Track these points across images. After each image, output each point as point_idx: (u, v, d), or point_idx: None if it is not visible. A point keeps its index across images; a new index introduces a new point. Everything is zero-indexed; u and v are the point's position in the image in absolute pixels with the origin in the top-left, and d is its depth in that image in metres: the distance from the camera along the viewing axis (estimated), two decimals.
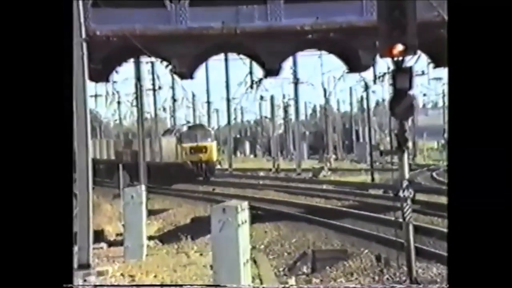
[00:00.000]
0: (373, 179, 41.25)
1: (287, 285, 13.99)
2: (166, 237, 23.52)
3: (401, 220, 13.63)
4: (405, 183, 13.39)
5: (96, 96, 64.27)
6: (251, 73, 49.66)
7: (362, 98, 67.98)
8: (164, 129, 77.97)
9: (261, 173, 51.83)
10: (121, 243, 18.72)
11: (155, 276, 14.49)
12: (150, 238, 21.34)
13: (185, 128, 50.88)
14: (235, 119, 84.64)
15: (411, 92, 13.45)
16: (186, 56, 37.98)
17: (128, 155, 53.28)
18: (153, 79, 63.25)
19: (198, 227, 22.96)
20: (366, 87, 50.68)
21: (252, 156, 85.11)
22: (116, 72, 46.42)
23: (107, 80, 48.54)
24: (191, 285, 12.32)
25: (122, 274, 14.87)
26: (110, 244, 21.07)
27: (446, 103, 70.68)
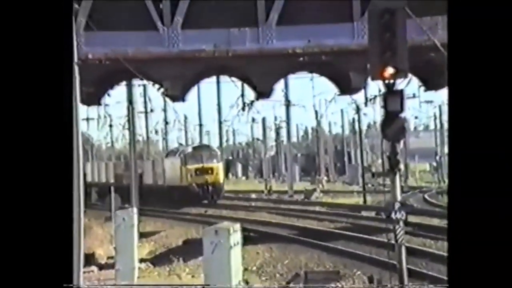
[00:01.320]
0: (365, 201, 41.26)
1: (285, 285, 13.95)
2: (158, 260, 23.45)
3: (393, 242, 13.64)
4: (397, 205, 13.41)
5: (88, 119, 64.39)
6: (242, 95, 49.83)
7: (353, 120, 68.18)
8: (156, 152, 77.85)
9: (253, 195, 51.78)
10: (112, 266, 18.66)
11: None
12: (141, 260, 21.28)
13: (189, 149, 48.68)
14: (227, 141, 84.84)
15: (402, 115, 13.52)
16: (178, 78, 38.05)
17: (128, 178, 52.75)
18: (145, 102, 63.39)
19: (190, 249, 22.90)
20: (358, 110, 50.90)
21: (244, 178, 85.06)
22: (108, 95, 46.35)
23: (99, 103, 48.47)
24: (190, 285, 12.29)
25: None
26: (101, 267, 20.99)
27: (438, 126, 71.07)
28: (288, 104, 53.24)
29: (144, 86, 56.51)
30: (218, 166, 46.38)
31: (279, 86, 45.68)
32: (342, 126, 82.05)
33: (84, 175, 63.91)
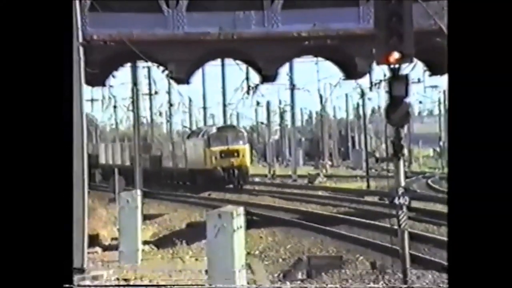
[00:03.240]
0: (368, 186, 41.28)
1: (283, 285, 14.01)
2: (161, 242, 23.51)
3: (396, 227, 13.65)
4: (400, 190, 13.42)
5: (92, 100, 64.36)
6: (247, 78, 49.72)
7: (358, 105, 68.11)
8: (160, 134, 77.66)
9: (257, 179, 51.79)
10: (116, 248, 18.71)
11: (150, 281, 14.49)
12: (145, 242, 21.33)
13: (214, 130, 44.66)
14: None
15: (407, 100, 13.50)
16: (183, 61, 38.01)
17: (146, 160, 49.30)
18: (150, 84, 63.29)
19: (194, 232, 22.95)
20: (362, 94, 50.81)
21: None
22: (113, 76, 46.30)
23: (103, 85, 48.46)
24: (189, 285, 12.34)
25: (117, 279, 14.86)
26: (105, 248, 21.05)
27: (442, 111, 70.98)
28: (292, 88, 53.15)
29: (149, 68, 56.34)
30: (245, 148, 42.84)
31: (284, 69, 45.58)
32: (347, 111, 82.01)
33: (96, 156, 63.25)
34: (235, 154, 41.97)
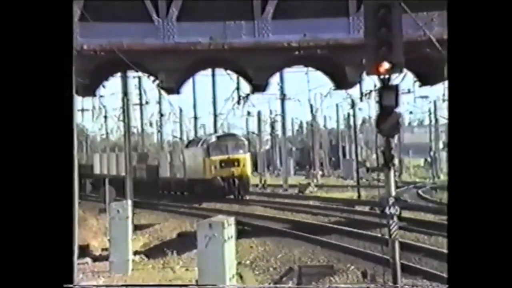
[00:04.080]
0: (359, 195, 41.32)
1: (279, 285, 13.98)
2: (152, 252, 23.45)
3: (387, 236, 13.67)
4: (391, 200, 13.43)
5: (82, 110, 64.23)
6: (238, 88, 49.80)
7: (348, 115, 68.30)
8: (150, 144, 77.50)
9: None
10: (106, 258, 18.66)
11: None
12: (135, 253, 21.28)
13: (213, 138, 43.28)
14: None
15: (397, 110, 13.53)
16: (173, 71, 38.02)
17: (143, 170, 49.23)
18: (140, 94, 63.32)
19: (184, 242, 22.91)
20: (353, 104, 50.94)
21: None
22: (103, 86, 46.30)
23: (94, 95, 48.46)
24: (188, 285, 12.30)
25: None
26: (95, 259, 20.99)
27: (433, 121, 71.18)
28: (283, 98, 53.24)
29: (139, 78, 56.39)
30: (245, 158, 41.69)
31: (275, 79, 45.69)
32: (337, 121, 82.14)
33: (91, 167, 62.81)
34: (236, 163, 40.91)
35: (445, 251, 18.01)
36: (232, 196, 40.27)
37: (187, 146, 47.52)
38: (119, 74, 43.94)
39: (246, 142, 44.50)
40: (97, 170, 56.40)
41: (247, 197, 40.76)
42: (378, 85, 13.55)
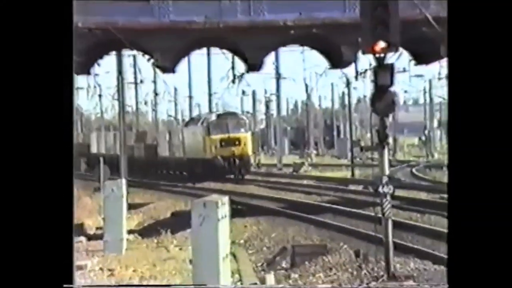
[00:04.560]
0: (353, 174, 41.41)
1: (275, 285, 14.03)
2: (146, 231, 23.50)
3: (380, 215, 13.71)
4: (385, 179, 13.47)
5: (77, 88, 64.03)
6: (233, 68, 49.59)
7: (343, 94, 68.27)
8: (145, 122, 77.36)
9: None
10: (100, 237, 18.69)
11: (134, 271, 14.48)
12: (130, 232, 21.32)
13: (213, 117, 42.42)
14: None
15: (392, 89, 13.53)
16: (169, 50, 37.84)
17: (141, 149, 48.41)
18: (135, 73, 63.12)
19: (178, 222, 22.95)
20: (348, 83, 50.86)
21: None
22: (98, 65, 46.00)
23: (88, 73, 48.22)
24: (186, 285, 12.33)
25: (101, 268, 14.84)
26: (90, 238, 21.03)
27: (427, 100, 71.15)
28: (278, 77, 53.17)
29: (134, 56, 56.19)
30: (246, 136, 40.85)
31: (270, 59, 45.46)
32: (332, 100, 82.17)
33: (88, 146, 62.43)
34: (236, 142, 40.13)
35: (438, 228, 18.16)
36: (232, 176, 39.71)
37: (186, 125, 46.81)
38: (114, 52, 43.68)
39: (247, 121, 43.71)
40: (94, 149, 56.15)
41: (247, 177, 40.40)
42: (374, 64, 13.53)
